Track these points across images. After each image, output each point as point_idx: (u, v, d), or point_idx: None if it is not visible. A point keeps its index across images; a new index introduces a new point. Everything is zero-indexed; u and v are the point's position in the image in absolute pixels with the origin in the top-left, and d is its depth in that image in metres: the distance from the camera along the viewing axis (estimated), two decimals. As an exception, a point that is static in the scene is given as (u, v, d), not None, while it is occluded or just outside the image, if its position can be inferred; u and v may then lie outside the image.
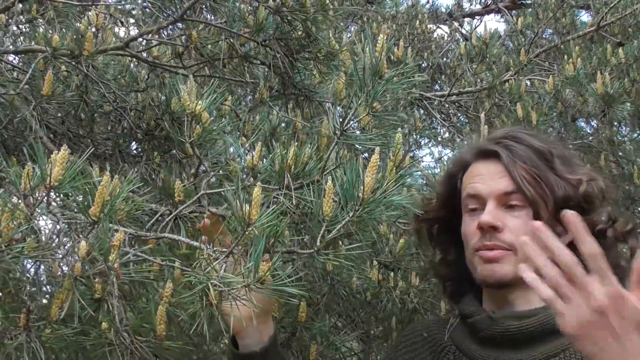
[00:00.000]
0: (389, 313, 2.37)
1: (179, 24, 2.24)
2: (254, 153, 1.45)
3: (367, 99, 1.41)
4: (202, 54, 2.22)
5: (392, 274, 2.22)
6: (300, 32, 2.22)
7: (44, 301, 1.42)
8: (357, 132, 1.51)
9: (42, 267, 1.14)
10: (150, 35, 2.24)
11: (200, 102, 1.49)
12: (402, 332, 2.01)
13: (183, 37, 2.24)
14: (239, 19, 2.14)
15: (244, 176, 1.47)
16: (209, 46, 2.23)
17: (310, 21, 2.16)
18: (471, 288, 1.61)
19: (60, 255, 1.11)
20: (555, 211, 1.47)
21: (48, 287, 1.29)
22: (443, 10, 5.37)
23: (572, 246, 1.50)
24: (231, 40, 2.15)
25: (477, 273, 1.49)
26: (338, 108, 2.06)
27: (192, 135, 1.52)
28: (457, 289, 1.66)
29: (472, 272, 1.52)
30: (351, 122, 1.45)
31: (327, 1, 2.10)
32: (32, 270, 1.16)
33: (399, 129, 1.47)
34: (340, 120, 1.46)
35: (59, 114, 2.45)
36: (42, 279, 1.17)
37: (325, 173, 1.45)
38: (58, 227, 1.18)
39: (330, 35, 2.25)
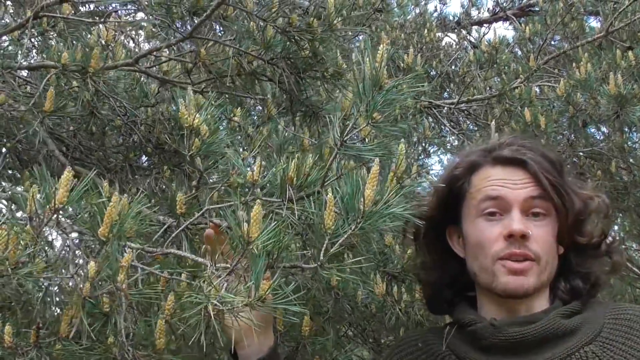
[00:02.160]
0: (397, 324, 2.37)
1: (188, 41, 2.27)
2: (254, 168, 1.46)
3: (367, 110, 1.41)
4: (211, 71, 2.25)
5: (396, 287, 2.21)
6: (307, 52, 2.24)
7: (55, 312, 1.45)
8: (358, 144, 1.52)
9: (53, 284, 1.17)
10: (159, 51, 2.27)
11: (198, 115, 1.52)
12: (394, 342, 2.00)
13: (192, 53, 2.28)
14: (247, 37, 2.17)
15: (246, 189, 1.48)
16: (218, 63, 2.25)
17: (318, 41, 2.18)
18: (456, 295, 1.61)
19: (69, 275, 1.13)
20: (572, 223, 1.51)
21: (58, 298, 1.32)
22: (451, 18, 5.37)
23: (564, 255, 1.54)
24: (239, 58, 2.18)
25: (499, 283, 1.47)
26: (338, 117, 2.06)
27: (191, 148, 1.54)
28: (436, 295, 1.65)
29: (488, 279, 1.50)
30: (352, 133, 1.45)
31: (335, 21, 2.12)
32: (43, 287, 1.19)
33: (402, 140, 1.47)
34: (340, 131, 1.45)
35: (71, 128, 2.49)
36: (52, 296, 1.20)
37: (326, 184, 1.46)
38: (67, 245, 1.21)
39: (338, 54, 2.27)
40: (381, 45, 1.39)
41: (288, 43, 2.19)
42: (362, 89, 1.40)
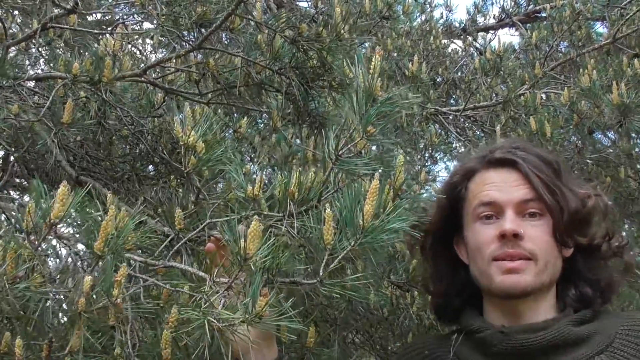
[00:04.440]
0: (406, 329, 2.37)
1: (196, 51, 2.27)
2: (255, 182, 1.45)
3: (361, 123, 1.40)
4: (219, 82, 2.25)
5: (406, 294, 2.21)
6: (315, 61, 2.24)
7: (62, 321, 1.46)
8: (354, 157, 1.50)
9: (54, 297, 1.18)
10: (168, 62, 2.28)
11: (194, 133, 1.52)
12: (400, 350, 2.00)
13: (200, 64, 2.28)
14: (255, 47, 2.17)
15: (247, 204, 1.47)
16: (226, 74, 2.26)
17: (326, 50, 2.18)
18: (463, 303, 1.60)
19: (68, 289, 1.14)
20: (569, 222, 1.50)
21: (59, 310, 1.34)
22: (457, 25, 5.36)
23: (572, 259, 1.54)
24: (247, 69, 2.19)
25: (495, 283, 1.48)
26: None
27: (187, 166, 1.55)
28: (446, 304, 1.65)
29: (486, 281, 1.51)
30: (347, 146, 1.44)
31: (342, 30, 2.12)
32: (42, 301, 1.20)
33: (400, 151, 1.46)
34: (335, 145, 1.44)
35: (78, 138, 2.51)
36: (51, 310, 1.21)
37: (323, 198, 1.46)
38: (70, 258, 1.22)
39: (345, 64, 2.27)
40: (375, 57, 1.38)
41: (297, 53, 2.18)
42: (356, 102, 1.39)
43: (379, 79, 1.34)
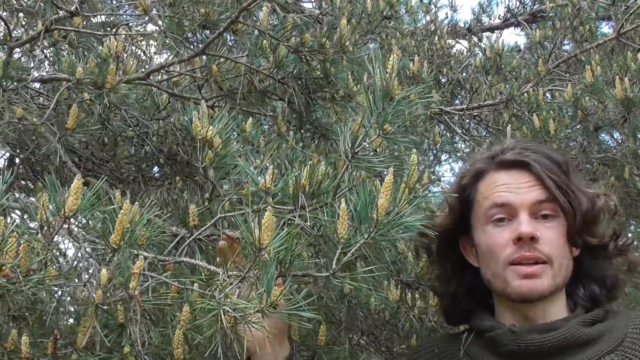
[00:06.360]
0: (410, 331, 2.36)
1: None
2: (267, 176, 1.45)
3: (378, 121, 1.41)
4: (222, 88, 2.24)
5: (409, 294, 2.21)
6: (318, 72, 2.23)
7: (70, 321, 1.46)
8: (371, 154, 1.51)
9: (66, 292, 1.18)
10: (171, 67, 2.28)
11: (211, 127, 1.52)
12: (410, 350, 1.99)
13: (203, 68, 2.27)
14: (259, 55, 2.16)
15: (258, 198, 1.48)
16: (228, 80, 2.25)
17: (329, 62, 2.16)
18: (472, 305, 1.60)
19: (82, 283, 1.14)
20: (581, 223, 1.50)
21: (72, 308, 1.33)
22: (462, 25, 5.35)
23: (578, 258, 1.53)
24: (250, 76, 2.17)
25: (512, 287, 1.47)
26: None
27: (204, 161, 1.55)
28: (454, 306, 1.65)
29: (501, 285, 1.50)
30: (363, 144, 1.45)
31: (347, 42, 2.11)
32: (57, 295, 1.20)
33: (414, 150, 1.46)
34: (351, 143, 1.45)
35: (83, 139, 2.51)
36: (65, 305, 1.21)
37: (338, 196, 1.45)
38: (80, 254, 1.22)
39: (349, 76, 2.25)
40: (392, 56, 1.38)
41: (300, 63, 2.17)
42: (373, 100, 1.39)
43: (396, 78, 1.34)
